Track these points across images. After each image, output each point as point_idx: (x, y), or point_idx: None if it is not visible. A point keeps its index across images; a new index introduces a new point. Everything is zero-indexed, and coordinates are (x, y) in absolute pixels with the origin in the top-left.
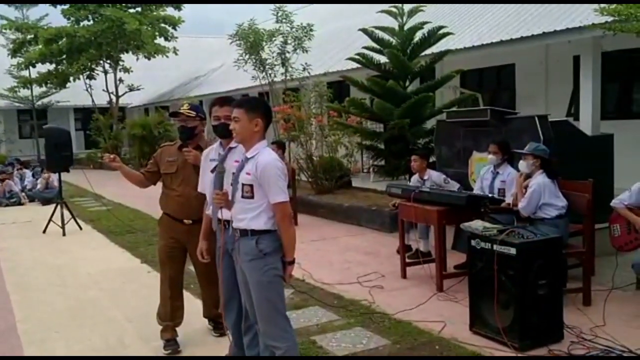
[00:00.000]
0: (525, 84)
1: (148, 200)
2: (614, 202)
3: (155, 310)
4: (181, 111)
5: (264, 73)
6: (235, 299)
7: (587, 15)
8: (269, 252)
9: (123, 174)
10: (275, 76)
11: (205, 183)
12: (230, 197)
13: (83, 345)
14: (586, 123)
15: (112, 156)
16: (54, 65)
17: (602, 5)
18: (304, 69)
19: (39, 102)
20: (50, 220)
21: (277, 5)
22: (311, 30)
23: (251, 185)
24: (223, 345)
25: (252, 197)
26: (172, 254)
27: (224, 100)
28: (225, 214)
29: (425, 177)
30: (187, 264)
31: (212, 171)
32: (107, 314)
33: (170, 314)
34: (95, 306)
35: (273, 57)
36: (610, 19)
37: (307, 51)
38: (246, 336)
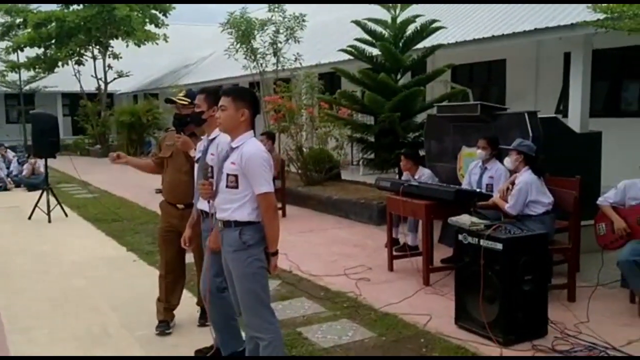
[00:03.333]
0: (515, 80)
1: (135, 189)
2: (599, 200)
3: (141, 299)
4: (174, 99)
5: (255, 62)
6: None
7: (579, 12)
8: (253, 244)
9: (133, 166)
10: (266, 66)
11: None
12: (214, 187)
13: (67, 333)
14: (575, 120)
15: (115, 154)
16: (42, 50)
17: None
18: (296, 60)
19: (27, 87)
20: (35, 206)
21: None
22: (303, 20)
23: (236, 176)
24: (206, 334)
25: (236, 187)
26: (168, 237)
27: (200, 89)
28: (202, 205)
29: (417, 176)
30: None
31: (196, 161)
32: (92, 303)
33: (164, 295)
34: (79, 294)
35: (265, 47)
36: (602, 16)
37: (299, 41)
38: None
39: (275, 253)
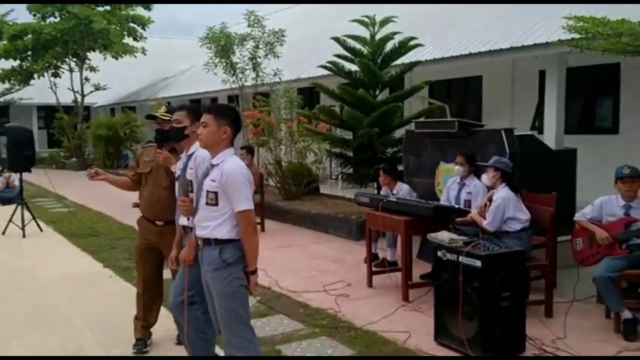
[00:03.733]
0: (492, 97)
1: (111, 203)
2: (576, 216)
3: (117, 317)
4: (156, 114)
5: (234, 77)
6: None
7: (554, 31)
8: (233, 262)
9: (110, 182)
10: (245, 80)
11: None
12: (194, 204)
13: (42, 351)
14: (550, 137)
15: (92, 171)
16: (18, 62)
17: (570, 22)
18: (275, 74)
19: (1, 99)
20: (10, 221)
21: (249, 10)
22: (283, 35)
23: (216, 193)
24: (185, 352)
25: (216, 204)
26: (145, 254)
27: (179, 105)
28: (183, 220)
29: (395, 192)
30: None
31: (176, 179)
32: (67, 320)
33: (142, 313)
34: (54, 312)
35: (244, 62)
36: (577, 36)
37: (278, 56)
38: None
39: (255, 271)
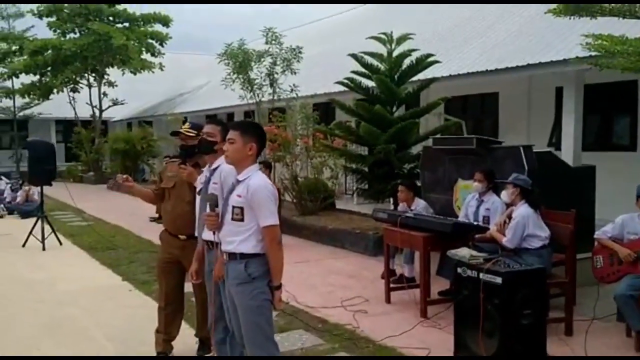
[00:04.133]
0: (508, 113)
1: (129, 217)
2: (597, 234)
3: (137, 330)
4: (181, 130)
5: (251, 93)
6: (223, 317)
7: (571, 48)
8: (258, 276)
9: (135, 193)
10: (262, 96)
11: (197, 205)
12: (219, 219)
13: None
14: (568, 154)
15: (125, 176)
16: (38, 77)
17: (588, 40)
18: (292, 90)
19: (21, 113)
20: (30, 234)
21: (267, 27)
22: (300, 52)
23: (242, 208)
24: None
25: (242, 219)
26: (167, 268)
27: (210, 119)
28: (208, 235)
29: (413, 207)
30: None
31: (198, 193)
32: (87, 332)
33: (164, 326)
34: (74, 324)
35: (261, 77)
36: (595, 53)
37: (295, 73)
38: (233, 353)
39: (279, 286)
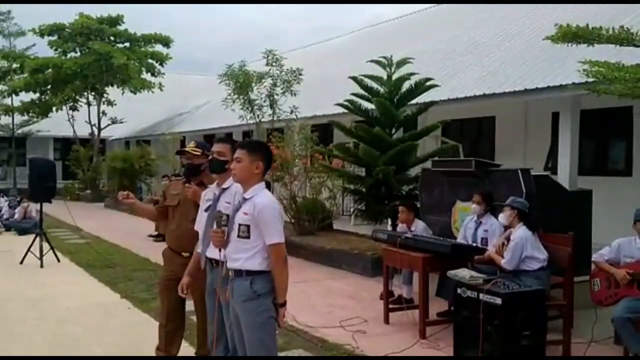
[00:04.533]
0: (504, 137)
1: (127, 235)
2: (594, 257)
3: (137, 347)
4: (187, 149)
5: (251, 113)
6: (224, 335)
7: (568, 74)
8: (263, 293)
9: (137, 209)
10: (262, 117)
11: (199, 222)
12: (225, 237)
13: None
14: (564, 178)
15: (125, 193)
16: (37, 95)
17: (585, 66)
18: (292, 112)
19: (19, 131)
20: (28, 250)
21: (268, 49)
22: (300, 74)
23: (248, 226)
24: None
25: (248, 237)
26: (169, 285)
27: (220, 138)
28: (212, 253)
29: (413, 228)
30: None
31: (205, 210)
32: (87, 350)
33: (164, 344)
34: (75, 341)
35: (261, 98)
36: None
37: (295, 94)
38: None
39: (284, 304)
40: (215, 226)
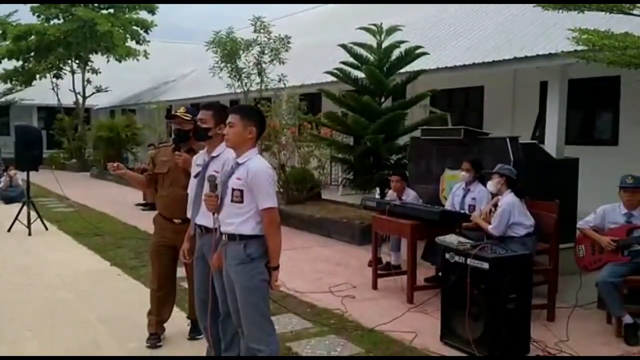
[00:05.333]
0: (493, 106)
1: (114, 204)
2: (579, 224)
3: (129, 313)
4: (177, 114)
5: (239, 82)
6: (214, 302)
7: (557, 43)
8: (256, 257)
9: (128, 178)
10: (250, 85)
11: (190, 187)
12: (219, 201)
13: (56, 345)
14: (551, 147)
15: (115, 164)
16: (20, 63)
17: (574, 34)
18: (280, 80)
19: (2, 99)
20: (16, 219)
21: (256, 15)
22: (288, 42)
23: (241, 190)
24: (198, 347)
25: (241, 201)
26: (161, 251)
27: (205, 104)
28: (202, 219)
29: (404, 197)
30: None
31: (195, 176)
32: (79, 316)
33: (156, 308)
34: (66, 307)
35: (249, 67)
36: (580, 47)
37: (283, 62)
38: (225, 338)
39: (277, 267)
40: (209, 190)
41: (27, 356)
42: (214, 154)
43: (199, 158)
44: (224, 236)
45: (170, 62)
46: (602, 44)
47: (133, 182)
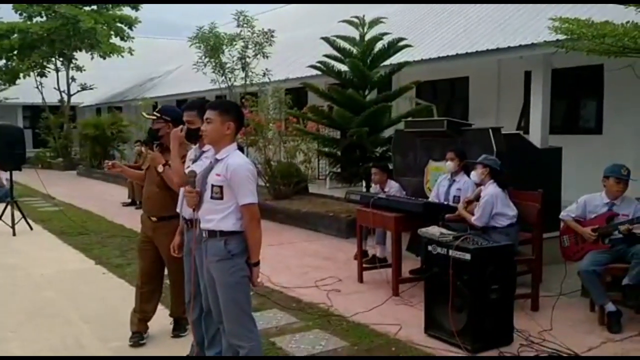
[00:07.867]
0: (478, 97)
1: (100, 202)
2: (562, 215)
3: (113, 311)
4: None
5: (223, 77)
6: (199, 295)
7: (540, 32)
8: (237, 253)
9: (126, 174)
10: (235, 80)
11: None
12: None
13: (40, 345)
14: (535, 136)
15: (110, 163)
16: (4, 61)
17: (555, 24)
18: (264, 75)
19: None
20: None
21: (239, 10)
22: (272, 36)
23: (221, 187)
24: (181, 345)
25: (221, 198)
26: (145, 248)
27: (188, 104)
28: (187, 213)
29: (386, 189)
30: None
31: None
32: (63, 315)
33: (140, 306)
34: (50, 307)
35: (233, 62)
36: (562, 37)
37: (267, 57)
38: (207, 334)
39: (258, 263)
40: (189, 186)
41: (10, 356)
42: (204, 149)
43: (191, 153)
44: (204, 233)
45: (155, 59)
46: (581, 32)
47: (132, 177)
